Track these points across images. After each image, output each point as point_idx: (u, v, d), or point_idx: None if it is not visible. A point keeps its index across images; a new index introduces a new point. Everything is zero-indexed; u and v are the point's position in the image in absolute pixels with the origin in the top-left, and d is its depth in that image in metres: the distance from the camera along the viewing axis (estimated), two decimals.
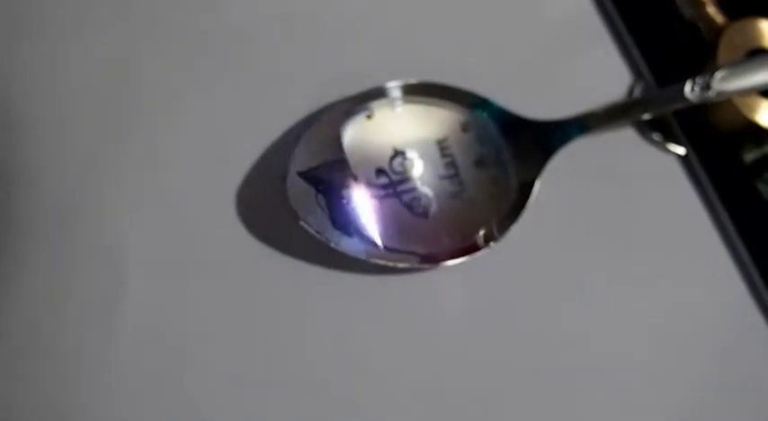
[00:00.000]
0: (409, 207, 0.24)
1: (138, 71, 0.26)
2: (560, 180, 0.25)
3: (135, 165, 0.25)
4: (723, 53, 0.27)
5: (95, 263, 0.24)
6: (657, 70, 0.28)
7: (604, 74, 0.28)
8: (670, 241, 0.26)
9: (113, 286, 0.24)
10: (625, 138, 0.27)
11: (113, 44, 0.26)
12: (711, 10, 0.28)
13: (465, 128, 0.25)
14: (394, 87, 0.25)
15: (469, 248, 0.24)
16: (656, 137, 0.27)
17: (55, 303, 0.23)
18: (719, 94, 0.25)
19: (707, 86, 0.25)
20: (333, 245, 0.23)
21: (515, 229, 0.24)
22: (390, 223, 0.24)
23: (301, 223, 0.23)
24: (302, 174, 0.23)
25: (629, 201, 0.26)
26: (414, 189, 0.24)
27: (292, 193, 0.23)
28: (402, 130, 0.25)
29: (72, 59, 0.26)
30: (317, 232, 0.23)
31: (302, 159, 0.24)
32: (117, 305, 0.23)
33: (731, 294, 0.26)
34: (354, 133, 0.24)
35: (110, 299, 0.23)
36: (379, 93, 0.25)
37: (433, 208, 0.24)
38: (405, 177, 0.24)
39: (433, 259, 0.24)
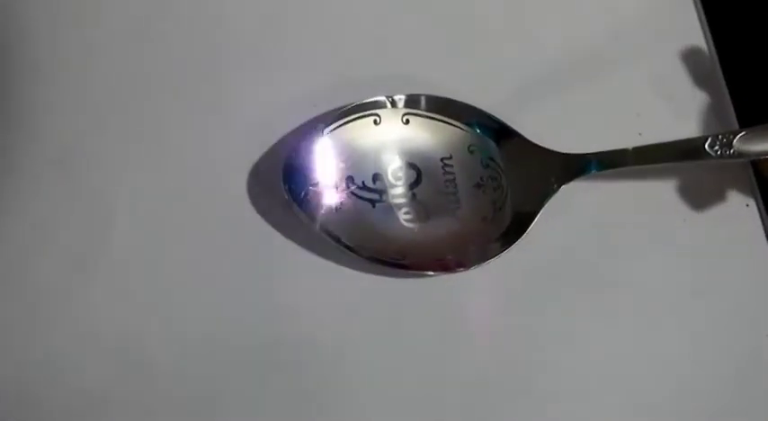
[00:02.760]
0: (400, 216, 0.25)
1: (155, 39, 0.27)
2: (561, 211, 0.25)
3: (138, 123, 0.26)
4: None
5: (86, 209, 0.25)
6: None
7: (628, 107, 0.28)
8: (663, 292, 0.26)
9: (99, 232, 0.24)
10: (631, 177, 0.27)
11: (132, 8, 0.27)
12: None
13: (472, 150, 0.25)
14: (406, 99, 0.25)
15: (453, 266, 0.24)
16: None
17: (41, 238, 0.24)
18: (740, 154, 0.25)
19: (728, 145, 0.25)
20: (317, 231, 0.24)
21: (505, 256, 0.24)
22: (377, 226, 0.24)
23: (293, 209, 0.24)
24: (300, 164, 0.24)
25: (626, 243, 0.26)
26: (408, 199, 0.25)
27: (287, 180, 0.24)
28: (407, 141, 0.25)
29: (91, 16, 0.27)
30: (306, 218, 0.24)
31: (303, 150, 0.24)
32: (99, 253, 0.24)
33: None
34: (359, 134, 0.25)
35: (94, 246, 0.24)
36: (391, 102, 0.25)
37: (424, 221, 0.25)
38: (401, 187, 0.25)
39: (415, 268, 0.24)
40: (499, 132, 0.25)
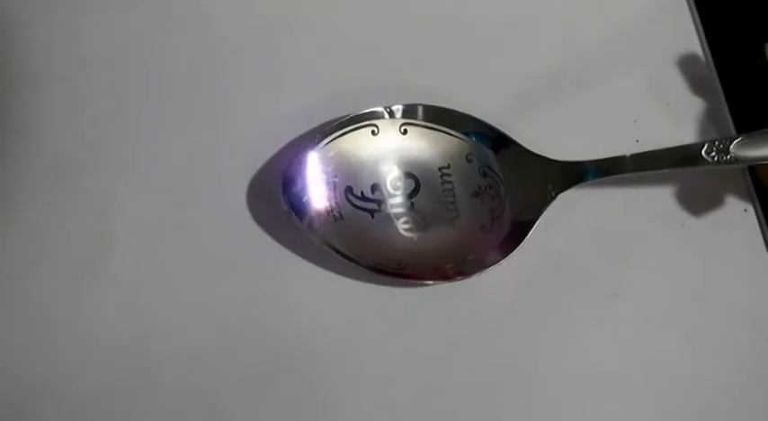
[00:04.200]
0: (399, 225, 0.25)
1: (153, 49, 0.27)
2: (559, 219, 0.25)
3: (136, 134, 0.26)
4: None
5: (86, 219, 0.25)
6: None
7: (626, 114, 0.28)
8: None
9: (99, 242, 0.25)
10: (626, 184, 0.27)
11: (131, 19, 0.27)
12: None
13: (470, 159, 0.25)
14: (404, 109, 0.25)
15: (452, 274, 0.24)
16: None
17: (41, 248, 0.25)
18: (737, 160, 0.25)
19: (725, 151, 0.25)
20: (317, 242, 0.24)
21: (504, 264, 0.24)
22: (377, 236, 0.25)
23: (292, 220, 0.24)
24: (299, 175, 0.24)
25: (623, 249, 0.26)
26: (407, 209, 0.25)
27: (287, 191, 0.24)
28: (405, 151, 0.25)
29: (90, 27, 0.27)
30: (305, 229, 0.24)
31: (302, 161, 0.24)
32: (100, 264, 0.24)
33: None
34: (358, 145, 0.25)
35: (94, 256, 0.25)
36: (388, 112, 0.25)
37: (423, 230, 0.25)
38: (399, 196, 0.25)
39: (414, 277, 0.24)
40: (497, 141, 0.25)
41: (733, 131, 0.28)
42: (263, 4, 0.27)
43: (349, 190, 0.25)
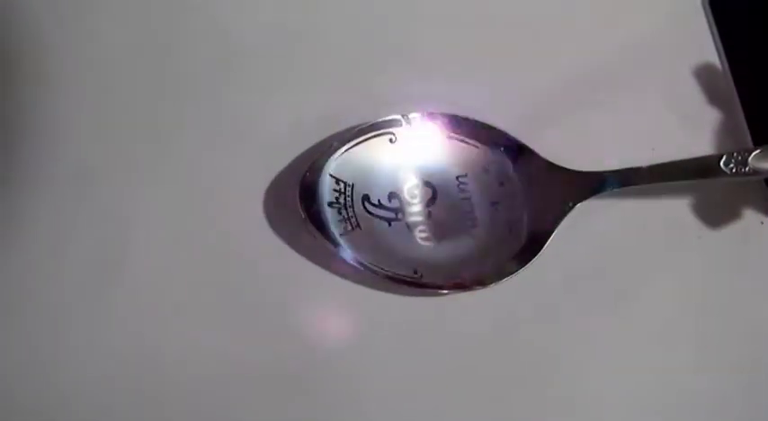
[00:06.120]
0: (416, 234, 0.25)
1: (170, 56, 0.27)
2: (577, 229, 0.25)
3: (152, 141, 0.26)
4: None
5: (101, 225, 0.25)
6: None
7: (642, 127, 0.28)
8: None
9: (114, 253, 0.24)
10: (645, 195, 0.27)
11: (148, 25, 0.27)
12: None
13: (487, 169, 0.25)
14: (422, 117, 0.25)
15: (469, 284, 0.24)
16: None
17: (55, 259, 0.24)
18: (756, 172, 0.25)
19: (743, 163, 0.25)
20: (333, 252, 0.24)
21: (521, 274, 0.24)
22: (394, 244, 0.24)
23: (309, 228, 0.24)
24: (316, 183, 0.24)
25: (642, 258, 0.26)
26: (424, 218, 0.25)
27: (303, 199, 0.24)
28: (423, 160, 0.25)
29: (107, 31, 0.27)
30: (322, 237, 0.24)
31: (319, 169, 0.24)
32: (115, 270, 0.24)
33: None
34: (375, 153, 0.25)
35: (109, 262, 0.24)
36: (406, 120, 0.25)
37: (440, 239, 0.25)
38: (417, 205, 0.25)
39: (431, 286, 0.24)
40: (514, 151, 0.25)
41: (750, 143, 0.28)
42: (281, 11, 0.27)
43: (366, 198, 0.25)
